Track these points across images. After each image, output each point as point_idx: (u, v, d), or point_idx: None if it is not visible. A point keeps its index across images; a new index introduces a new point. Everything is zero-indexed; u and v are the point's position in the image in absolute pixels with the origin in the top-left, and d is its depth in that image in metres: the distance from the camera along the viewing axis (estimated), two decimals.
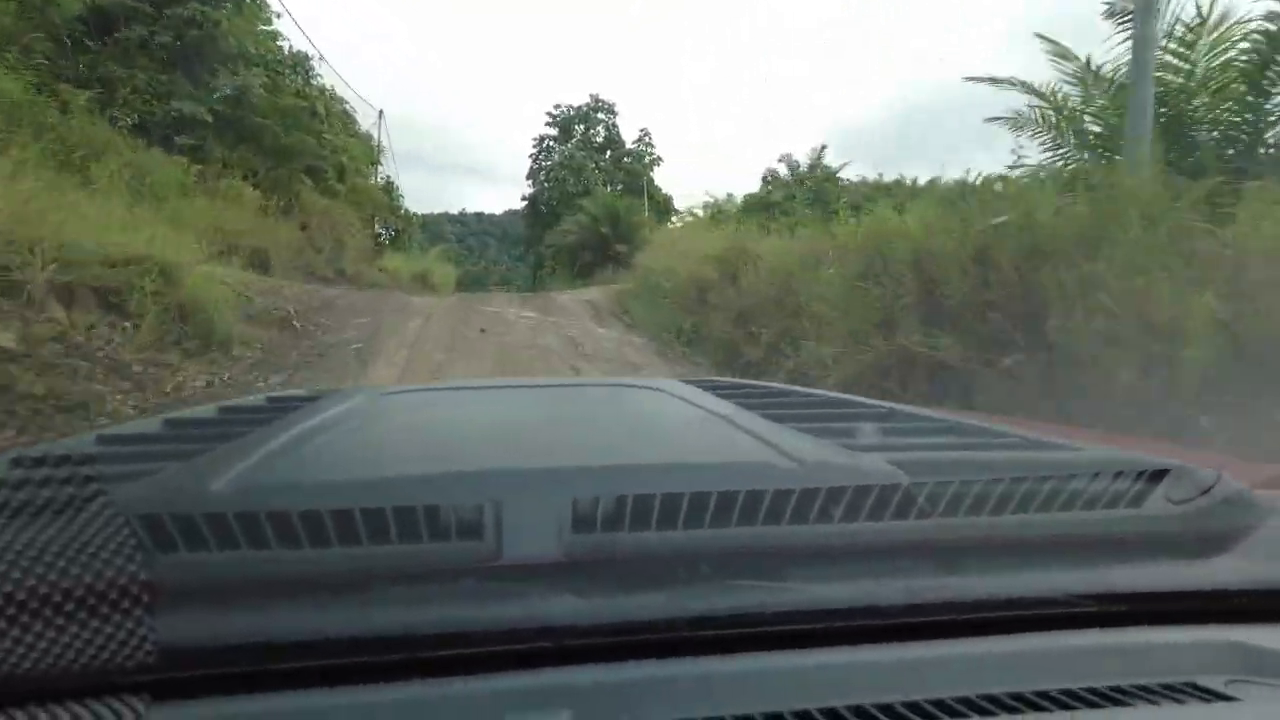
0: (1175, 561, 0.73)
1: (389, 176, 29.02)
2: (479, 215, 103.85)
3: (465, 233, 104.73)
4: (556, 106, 44.53)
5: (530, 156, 44.68)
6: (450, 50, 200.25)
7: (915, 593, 0.66)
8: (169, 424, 1.25)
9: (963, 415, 1.35)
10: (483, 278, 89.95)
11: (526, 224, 44.74)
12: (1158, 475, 0.80)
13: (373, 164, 26.76)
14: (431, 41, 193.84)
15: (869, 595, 0.66)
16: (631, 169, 42.80)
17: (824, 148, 29.69)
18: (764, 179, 30.15)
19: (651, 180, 42.28)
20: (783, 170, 30.11)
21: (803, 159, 29.61)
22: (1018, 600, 0.67)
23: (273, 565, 0.66)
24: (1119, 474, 0.81)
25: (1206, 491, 0.77)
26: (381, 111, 31.47)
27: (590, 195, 36.37)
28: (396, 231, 28.37)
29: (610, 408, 1.63)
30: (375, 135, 28.59)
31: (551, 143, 44.61)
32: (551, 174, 42.53)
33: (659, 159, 43.49)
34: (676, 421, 1.35)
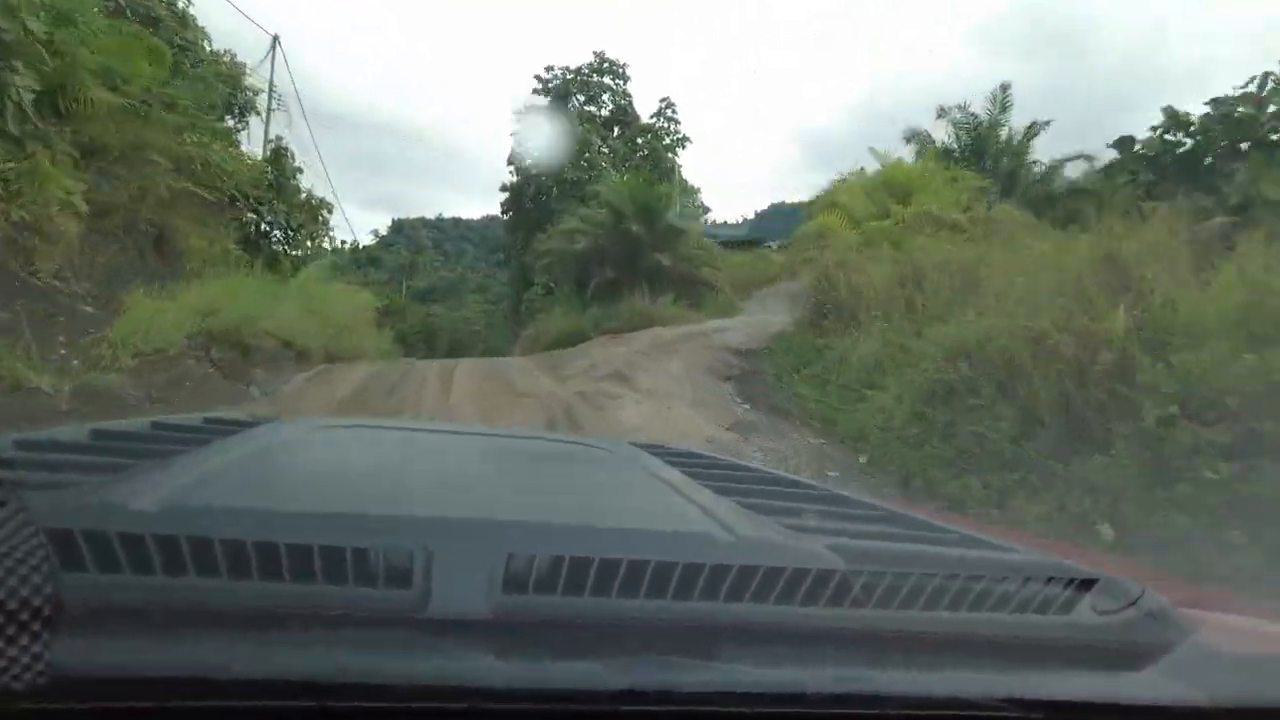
0: (1097, 673, 0.74)
1: (284, 143, 17.83)
2: (456, 220, 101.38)
3: (442, 238, 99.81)
4: (548, 69, 33.43)
5: (513, 136, 33.46)
6: (424, 49, 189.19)
7: (843, 683, 0.66)
8: (96, 434, 1.22)
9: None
10: (458, 285, 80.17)
11: (508, 226, 33.40)
12: (1087, 584, 0.82)
13: (235, 115, 15.51)
14: (404, 41, 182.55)
15: (797, 683, 0.65)
16: (651, 149, 31.82)
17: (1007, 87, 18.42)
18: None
19: (679, 166, 31.04)
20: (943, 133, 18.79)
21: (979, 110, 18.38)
22: (942, 700, 0.67)
23: (187, 594, 0.63)
24: (1049, 579, 0.82)
25: (1132, 604, 0.79)
26: (276, 39, 20.11)
27: (600, 182, 25.50)
28: (290, 229, 17.05)
29: (557, 464, 1.60)
30: (268, 79, 17.50)
31: (541, 116, 33.45)
32: (542, 156, 31.40)
33: (685, 139, 32.34)
34: (622, 484, 1.34)
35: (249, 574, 0.64)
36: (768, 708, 0.64)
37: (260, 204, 16.20)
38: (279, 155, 17.04)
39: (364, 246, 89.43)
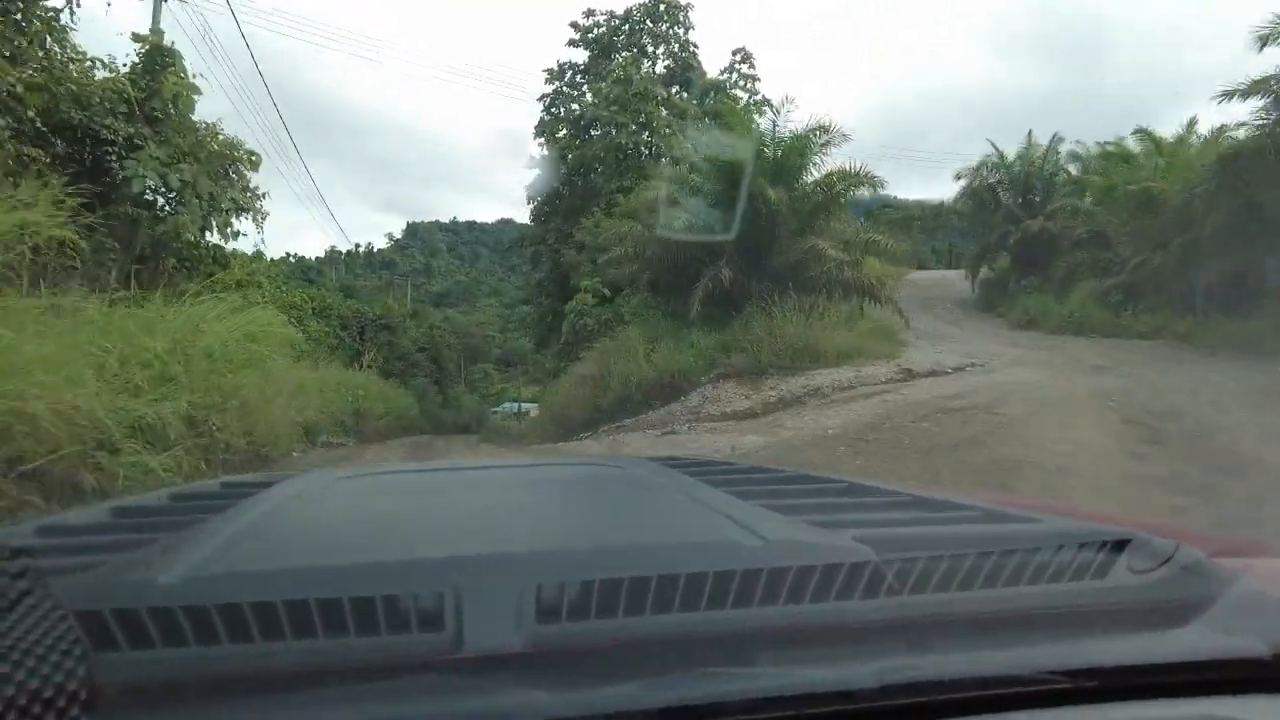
0: (1142, 633, 0.73)
1: (166, 42, 10.43)
2: (470, 224, 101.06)
3: (456, 241, 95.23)
4: (588, 15, 25.94)
5: (542, 101, 25.98)
6: (441, 55, 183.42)
7: (888, 674, 0.65)
8: (116, 512, 1.22)
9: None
10: (472, 290, 73.64)
11: (536, 213, 25.89)
12: (1119, 545, 0.81)
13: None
14: (423, 45, 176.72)
15: (842, 680, 0.65)
16: (725, 112, 24.31)
17: None
18: None
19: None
20: None
21: None
22: (990, 679, 0.66)
23: (222, 662, 0.63)
24: (1082, 545, 0.81)
25: (1166, 561, 0.78)
26: None
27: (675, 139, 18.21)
28: (171, 192, 9.58)
29: (573, 489, 1.58)
30: None
31: (579, 75, 25.91)
32: (585, 119, 23.82)
33: (765, 101, 24.66)
34: (641, 501, 1.33)
35: (281, 635, 0.64)
36: (817, 708, 0.63)
37: (110, 144, 8.77)
38: (155, 57, 9.55)
39: (378, 250, 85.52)
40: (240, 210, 10.48)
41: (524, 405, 41.48)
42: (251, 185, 10.69)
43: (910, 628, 0.70)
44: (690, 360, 10.40)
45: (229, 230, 10.35)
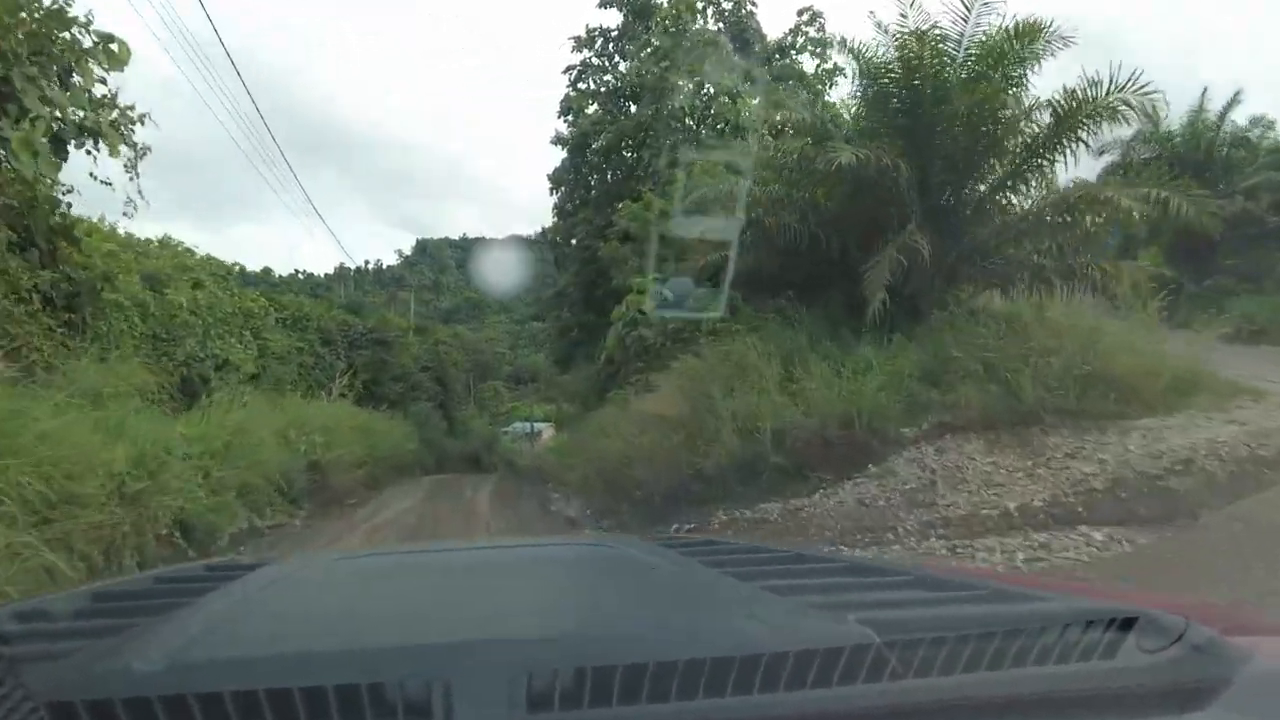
0: (1152, 718, 0.71)
1: None
2: (480, 239, 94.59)
3: (464, 257, 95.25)
4: None
5: (567, 74, 21.65)
6: (451, 70, 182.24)
7: None
8: (96, 596, 1.20)
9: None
10: (480, 306, 72.59)
11: (561, 203, 21.50)
12: (1127, 623, 0.78)
13: None
14: (431, 60, 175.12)
15: None
16: (793, 75, 19.92)
17: None
18: None
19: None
20: None
21: None
22: None
23: None
24: (1089, 624, 0.79)
25: (1177, 640, 0.75)
26: None
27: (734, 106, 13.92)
28: None
29: (567, 570, 1.54)
30: None
31: (611, 43, 21.59)
32: (624, 87, 19.47)
33: (838, 69, 20.23)
34: (636, 583, 1.29)
35: None
36: None
37: None
38: None
39: (388, 266, 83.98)
40: (88, 134, 6.04)
41: (536, 425, 38.53)
42: (112, 92, 6.26)
43: (915, 713, 0.68)
44: (878, 396, 5.85)
45: (57, 168, 5.89)
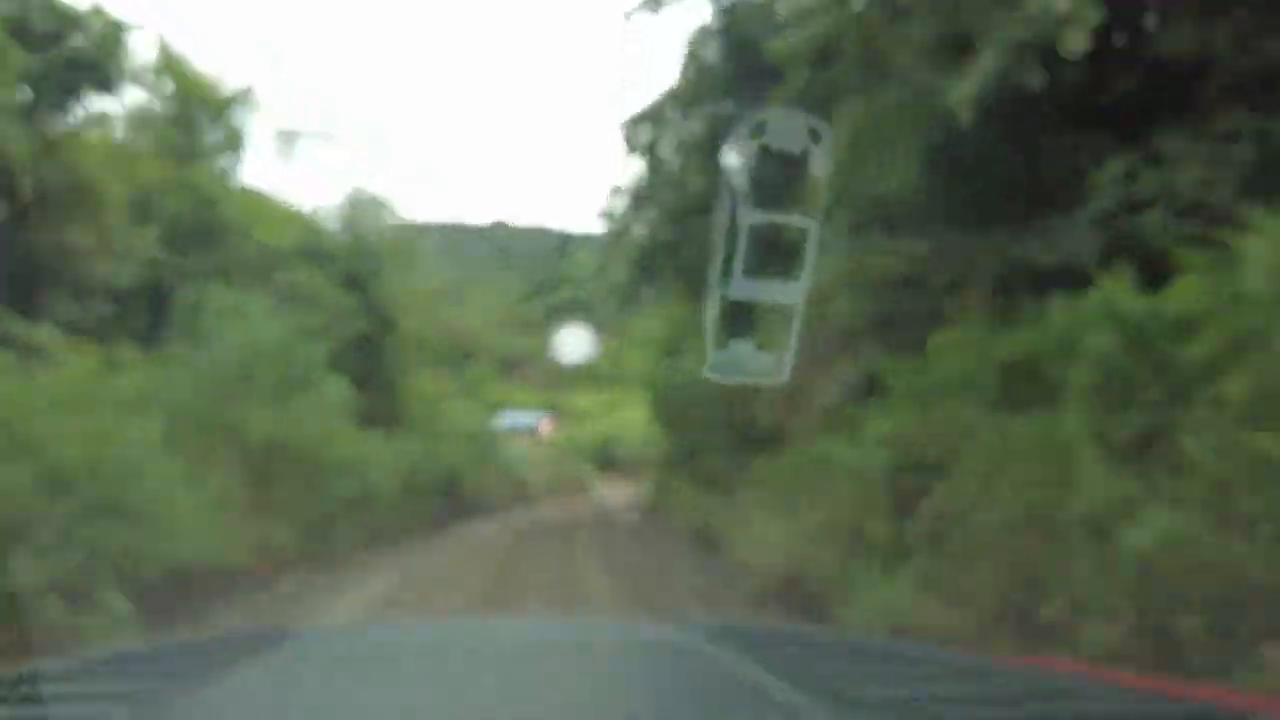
0: None
1: None
2: (461, 225, 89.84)
3: (447, 241, 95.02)
4: None
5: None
6: (436, 55, 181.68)
7: None
8: (124, 660, 1.26)
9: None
10: (462, 288, 71.61)
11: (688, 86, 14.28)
12: None
13: None
14: (417, 42, 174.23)
15: None
16: None
17: None
18: None
19: None
20: None
21: None
22: None
23: None
24: None
25: None
26: None
27: None
28: None
29: (597, 661, 1.46)
30: None
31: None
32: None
33: None
34: (669, 679, 1.21)
35: None
36: None
37: None
38: None
39: None
40: None
41: (524, 420, 37.54)
42: None
43: None
44: None
45: None
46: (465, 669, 1.32)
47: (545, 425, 39.09)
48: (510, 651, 1.53)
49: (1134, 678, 1.26)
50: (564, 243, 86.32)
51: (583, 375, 46.46)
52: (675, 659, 1.32)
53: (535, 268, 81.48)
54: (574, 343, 41.39)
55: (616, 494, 28.56)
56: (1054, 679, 1.02)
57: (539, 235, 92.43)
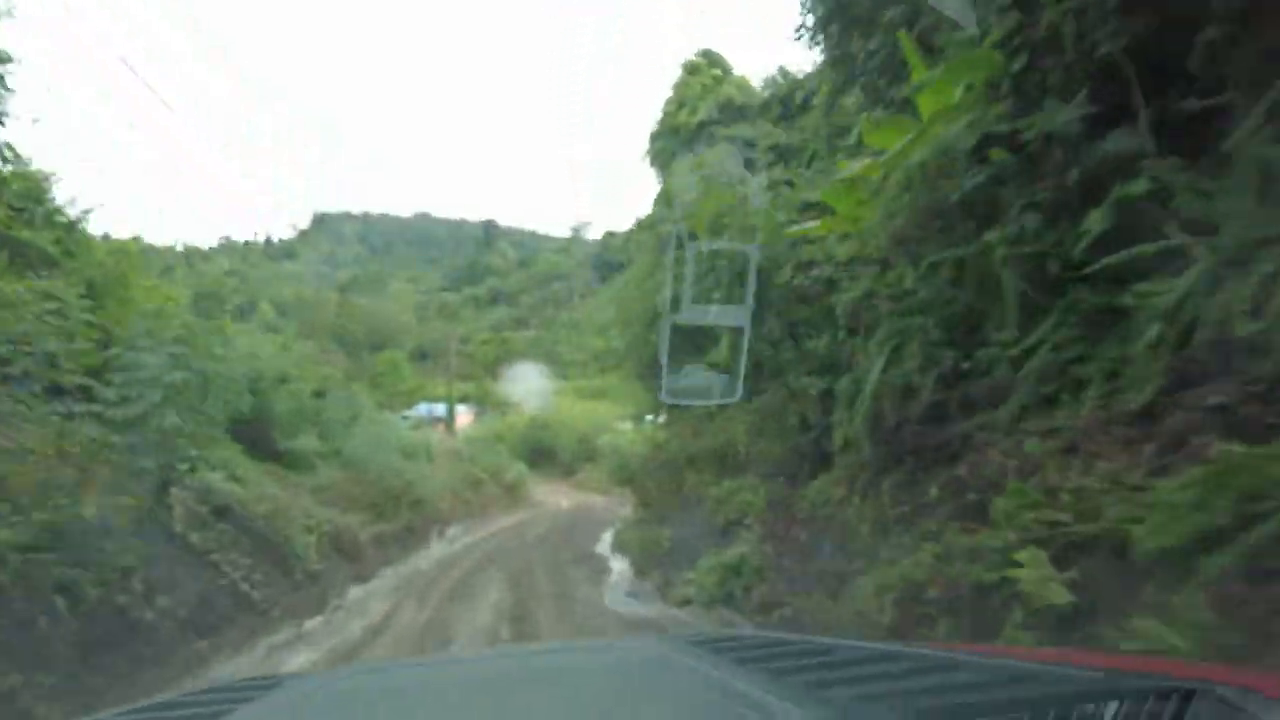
0: None
1: None
2: (384, 215, 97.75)
3: (368, 232, 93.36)
4: None
5: None
6: (354, 29, 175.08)
7: None
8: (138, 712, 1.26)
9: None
10: (383, 278, 69.09)
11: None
12: (1187, 695, 0.76)
13: None
14: (348, 32, 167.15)
15: None
16: None
17: None
18: None
19: None
20: None
21: None
22: None
23: None
24: (1148, 696, 0.77)
25: (1248, 715, 0.72)
26: None
27: None
28: None
29: (592, 679, 1.49)
30: None
31: None
32: None
33: None
34: (663, 692, 1.24)
35: None
36: None
37: None
38: None
39: (280, 240, 76.84)
40: None
41: (437, 409, 33.34)
42: None
43: None
44: None
45: None
46: (461, 700, 1.35)
47: (466, 416, 37.12)
48: (502, 681, 1.56)
49: (1099, 656, 1.27)
50: (487, 233, 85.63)
51: (509, 362, 45.87)
52: (660, 671, 1.36)
53: (458, 259, 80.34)
54: (524, 384, 39.62)
55: (565, 505, 24.86)
56: (1020, 665, 1.06)
57: (461, 226, 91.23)
